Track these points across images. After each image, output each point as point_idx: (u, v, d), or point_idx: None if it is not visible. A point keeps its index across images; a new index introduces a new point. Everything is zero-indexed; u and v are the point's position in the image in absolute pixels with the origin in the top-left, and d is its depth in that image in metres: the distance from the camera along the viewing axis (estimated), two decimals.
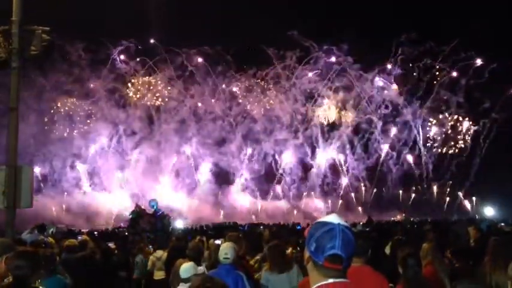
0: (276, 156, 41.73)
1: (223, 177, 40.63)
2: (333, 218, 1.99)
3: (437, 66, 42.34)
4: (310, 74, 42.17)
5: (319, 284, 1.95)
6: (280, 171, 41.74)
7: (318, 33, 39.88)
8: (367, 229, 16.23)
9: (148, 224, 15.57)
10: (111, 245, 12.84)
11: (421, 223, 25.14)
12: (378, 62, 42.28)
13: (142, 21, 35.61)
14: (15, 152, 7.68)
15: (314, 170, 42.17)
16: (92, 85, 38.23)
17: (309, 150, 42.08)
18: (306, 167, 42.18)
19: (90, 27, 32.61)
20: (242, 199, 40.21)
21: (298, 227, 22.02)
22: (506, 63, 37.71)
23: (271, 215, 38.96)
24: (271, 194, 41.62)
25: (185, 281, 5.39)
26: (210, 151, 40.15)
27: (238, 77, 41.60)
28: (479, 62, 41.32)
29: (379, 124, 42.45)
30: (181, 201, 36.93)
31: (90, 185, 37.06)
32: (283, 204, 41.07)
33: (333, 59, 42.10)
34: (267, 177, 41.52)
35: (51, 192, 34.68)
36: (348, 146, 42.60)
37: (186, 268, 5.53)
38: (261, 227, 20.03)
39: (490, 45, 37.91)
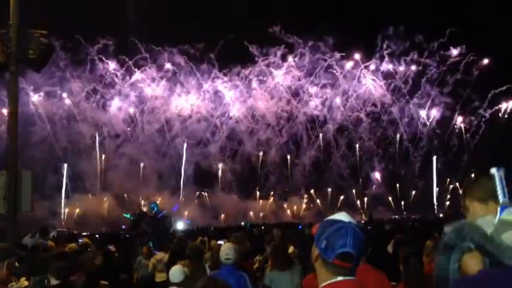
0: (260, 156, 41.36)
1: (206, 178, 40.29)
2: (343, 216, 1.98)
3: (425, 61, 41.68)
4: (295, 71, 41.54)
5: (328, 282, 1.93)
6: (265, 170, 41.43)
7: (301, 28, 39.19)
8: (369, 227, 16.24)
9: (149, 226, 15.55)
10: (112, 247, 12.81)
11: (422, 221, 25.17)
12: (365, 57, 41.72)
13: (120, 19, 34.72)
14: (15, 157, 7.66)
15: (298, 168, 41.79)
16: (72, 86, 37.33)
17: (293, 148, 41.83)
18: (290, 166, 41.80)
19: (66, 24, 30.97)
20: (227, 199, 39.82)
21: (299, 227, 21.97)
22: (497, 60, 37.78)
23: (259, 214, 38.97)
24: (257, 193, 41.35)
25: (178, 284, 5.39)
26: (193, 152, 39.85)
27: (222, 76, 40.90)
28: (466, 57, 40.69)
29: (366, 121, 42.00)
30: (165, 203, 36.84)
31: (72, 188, 36.44)
32: (268, 203, 40.88)
33: (318, 55, 41.24)
34: (250, 177, 41.18)
35: (36, 196, 34.48)
36: (333, 144, 42.28)
37: (175, 272, 5.52)
38: (262, 228, 19.98)
39: (481, 40, 37.47)
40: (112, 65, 38.94)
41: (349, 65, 41.68)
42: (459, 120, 42.43)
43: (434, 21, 38.22)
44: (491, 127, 40.02)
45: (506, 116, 41.20)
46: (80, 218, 35.12)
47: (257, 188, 41.34)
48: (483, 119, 41.20)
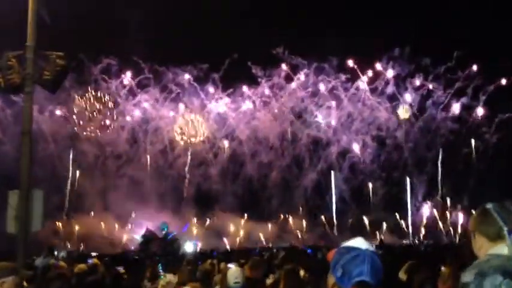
0: (261, 179, 41.11)
1: (207, 200, 40.12)
2: (360, 243, 1.93)
3: (431, 86, 41.50)
4: (299, 93, 41.64)
5: None
6: (266, 192, 41.10)
7: (305, 49, 39.30)
8: (380, 252, 15.96)
9: (159, 247, 15.48)
10: (121, 269, 12.72)
11: (436, 246, 24.73)
12: (370, 79, 41.63)
13: (123, 38, 34.96)
14: (28, 176, 7.71)
15: (300, 191, 41.49)
16: (75, 105, 37.78)
17: (295, 170, 41.62)
18: (291, 188, 41.52)
19: (70, 43, 30.88)
20: (227, 221, 39.63)
21: (309, 251, 21.71)
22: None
23: (261, 237, 38.62)
24: (256, 215, 40.87)
25: None
26: (194, 174, 39.85)
27: (225, 97, 41.13)
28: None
29: (371, 145, 41.67)
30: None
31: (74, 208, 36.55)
32: (270, 226, 40.46)
33: (323, 76, 41.24)
34: (251, 199, 40.90)
35: None
36: (335, 166, 42.00)
37: None
38: (275, 250, 19.77)
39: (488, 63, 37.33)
40: (115, 85, 39.41)
41: (354, 86, 41.72)
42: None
43: (441, 43, 38.09)
44: (498, 152, 39.44)
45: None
46: (81, 238, 34.98)
47: (258, 210, 40.90)
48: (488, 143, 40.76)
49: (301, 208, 41.29)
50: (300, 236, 39.84)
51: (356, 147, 41.82)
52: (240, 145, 41.32)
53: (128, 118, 40.32)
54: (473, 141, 41.48)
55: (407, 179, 41.82)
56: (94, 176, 37.61)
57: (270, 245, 33.23)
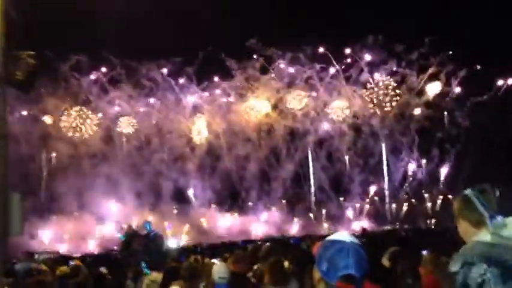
0: (240, 172, 41.11)
1: (184, 195, 40.10)
2: (344, 236, 1.94)
3: (404, 70, 41.85)
4: (274, 84, 41.52)
5: None
6: (244, 185, 41.23)
7: (279, 39, 39.07)
8: (363, 240, 16.17)
9: (141, 245, 15.31)
10: (103, 269, 12.59)
11: (415, 231, 25.17)
12: (344, 68, 41.77)
13: (93, 34, 33.86)
14: (4, 180, 7.55)
15: (278, 182, 41.58)
16: (47, 104, 36.90)
17: (273, 162, 41.71)
18: (269, 180, 41.62)
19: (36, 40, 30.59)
20: (207, 216, 39.70)
21: (294, 241, 21.86)
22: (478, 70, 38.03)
23: (243, 230, 38.60)
24: (236, 209, 41.11)
25: None
26: (171, 169, 39.57)
27: (201, 91, 40.90)
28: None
29: (348, 133, 41.95)
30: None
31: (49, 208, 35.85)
32: (249, 218, 40.68)
33: (298, 66, 41.30)
34: (230, 193, 41.00)
35: None
36: (313, 155, 42.31)
37: None
38: (259, 243, 19.78)
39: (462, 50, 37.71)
40: (86, 82, 38.50)
41: (328, 74, 41.84)
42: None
43: (414, 30, 38.50)
44: (472, 137, 40.20)
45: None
46: (60, 240, 34.45)
47: (237, 203, 41.09)
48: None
49: (281, 199, 41.54)
50: (281, 227, 40.03)
51: (333, 136, 42.16)
52: (217, 139, 41.17)
53: (100, 115, 39.67)
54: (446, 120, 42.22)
55: (384, 166, 42.43)
56: (68, 176, 36.67)
57: (253, 238, 33.28)
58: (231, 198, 41.10)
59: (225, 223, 39.65)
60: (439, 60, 41.10)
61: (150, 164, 39.64)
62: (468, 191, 1.99)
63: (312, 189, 42.38)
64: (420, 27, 38.12)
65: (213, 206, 40.54)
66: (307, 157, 42.56)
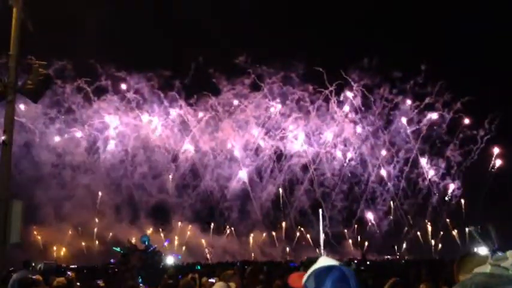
0: (222, 191, 40.09)
1: (164, 214, 39.17)
2: (330, 261, 1.86)
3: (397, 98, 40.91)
4: (264, 103, 40.49)
5: None
6: (225, 205, 40.20)
7: (269, 57, 38.35)
8: (362, 268, 16.01)
9: (139, 260, 15.21)
10: (100, 282, 12.51)
11: (416, 263, 24.84)
12: (336, 90, 40.57)
13: (79, 40, 32.76)
14: (6, 187, 7.56)
15: (259, 203, 40.50)
16: (30, 112, 35.21)
17: (258, 182, 40.60)
18: (251, 201, 40.48)
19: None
20: (188, 236, 38.98)
21: (292, 264, 21.68)
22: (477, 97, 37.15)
23: (225, 251, 38.00)
24: (216, 229, 40.22)
25: None
26: (152, 183, 38.81)
27: (188, 107, 39.68)
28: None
29: (337, 158, 41.05)
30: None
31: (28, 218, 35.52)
32: (229, 240, 39.94)
33: (288, 87, 40.05)
34: (210, 213, 40.19)
35: None
36: (299, 179, 41.06)
37: None
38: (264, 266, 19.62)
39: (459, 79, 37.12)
40: (69, 90, 37.00)
41: (320, 97, 40.71)
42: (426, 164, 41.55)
43: (410, 57, 37.92)
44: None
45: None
46: (43, 250, 33.99)
47: (217, 224, 40.27)
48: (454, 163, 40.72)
49: (261, 222, 40.50)
50: (260, 250, 39.21)
51: (322, 160, 41.20)
52: (202, 155, 40.16)
53: (86, 127, 38.38)
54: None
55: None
56: (50, 186, 35.71)
57: (251, 259, 32.89)
58: (210, 217, 40.20)
59: (207, 242, 38.88)
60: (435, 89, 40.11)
61: (135, 178, 38.58)
62: (471, 228, 2.01)
63: (291, 214, 40.95)
64: (417, 52, 37.60)
65: (192, 223, 39.42)
66: (291, 180, 41.10)
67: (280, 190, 40.87)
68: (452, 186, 40.71)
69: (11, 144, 7.94)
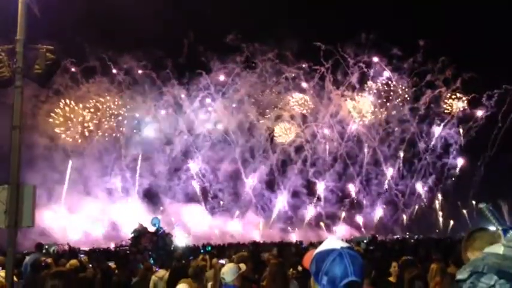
0: (212, 174, 40.12)
1: (155, 197, 39.25)
2: (334, 243, 1.86)
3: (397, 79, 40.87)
4: (257, 81, 40.12)
5: None
6: (218, 186, 40.34)
7: (262, 35, 37.87)
8: (371, 248, 16.06)
9: (150, 242, 15.39)
10: (112, 264, 12.69)
11: (426, 241, 24.91)
12: (333, 67, 40.12)
13: (64, 21, 31.78)
14: (17, 171, 7.63)
15: (249, 187, 40.51)
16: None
17: (251, 161, 40.53)
18: (240, 184, 40.67)
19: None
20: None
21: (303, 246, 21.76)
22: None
23: (220, 233, 38.03)
24: (207, 211, 40.29)
25: None
26: (147, 166, 38.77)
27: (181, 87, 39.40)
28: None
29: (333, 136, 40.96)
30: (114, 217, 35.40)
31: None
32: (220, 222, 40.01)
33: (282, 65, 39.66)
34: (201, 196, 40.24)
35: None
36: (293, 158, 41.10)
37: None
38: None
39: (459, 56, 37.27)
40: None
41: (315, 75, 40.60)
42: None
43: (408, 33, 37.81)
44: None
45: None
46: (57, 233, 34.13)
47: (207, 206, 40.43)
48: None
49: (255, 204, 40.73)
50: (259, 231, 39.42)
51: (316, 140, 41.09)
52: (196, 138, 40.20)
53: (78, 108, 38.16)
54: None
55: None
56: (41, 169, 35.06)
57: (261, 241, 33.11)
58: (204, 198, 40.16)
59: (204, 223, 38.77)
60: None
61: (129, 161, 38.59)
62: (482, 205, 1.97)
63: (286, 195, 40.93)
64: (415, 29, 37.43)
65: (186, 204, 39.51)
66: (284, 161, 41.14)
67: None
68: (460, 162, 40.84)
69: (20, 128, 7.99)
